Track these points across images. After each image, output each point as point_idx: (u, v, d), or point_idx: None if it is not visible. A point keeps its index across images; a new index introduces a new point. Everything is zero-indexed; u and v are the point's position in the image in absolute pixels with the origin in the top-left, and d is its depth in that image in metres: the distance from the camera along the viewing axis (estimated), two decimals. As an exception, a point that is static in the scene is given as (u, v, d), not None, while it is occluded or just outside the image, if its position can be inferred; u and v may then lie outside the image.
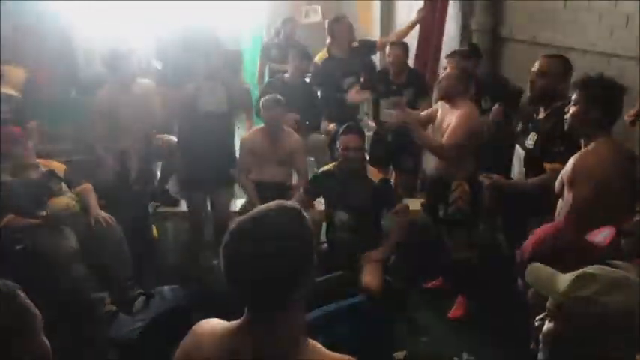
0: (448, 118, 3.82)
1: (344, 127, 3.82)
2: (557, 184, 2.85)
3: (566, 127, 2.87)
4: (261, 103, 4.43)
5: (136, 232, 4.62)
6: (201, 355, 1.35)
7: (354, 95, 5.30)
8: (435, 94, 4.17)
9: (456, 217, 3.87)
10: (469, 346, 3.63)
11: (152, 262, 4.75)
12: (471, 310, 4.00)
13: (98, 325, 3.73)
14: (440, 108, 4.03)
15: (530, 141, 3.38)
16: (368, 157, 5.31)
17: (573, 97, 2.81)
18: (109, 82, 4.58)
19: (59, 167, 4.07)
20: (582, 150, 2.74)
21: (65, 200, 3.84)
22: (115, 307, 3.85)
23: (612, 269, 1.39)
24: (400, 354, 3.64)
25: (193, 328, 1.43)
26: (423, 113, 4.27)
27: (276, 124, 4.38)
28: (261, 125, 4.57)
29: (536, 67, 3.35)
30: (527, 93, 3.54)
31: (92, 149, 4.61)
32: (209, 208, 4.64)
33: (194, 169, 4.36)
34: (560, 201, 2.85)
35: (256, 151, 4.44)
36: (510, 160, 4.21)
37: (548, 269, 1.47)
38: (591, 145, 2.71)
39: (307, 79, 5.48)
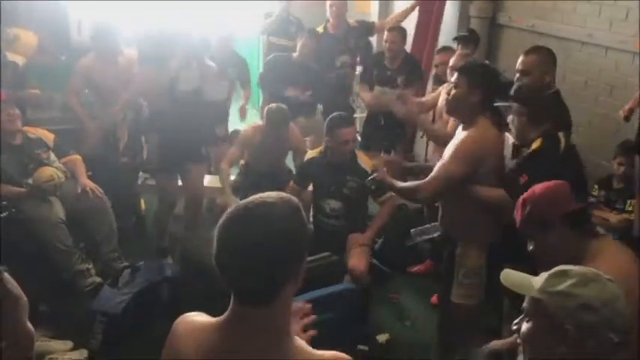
0: None
1: (336, 118, 3.72)
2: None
3: (446, 109, 3.02)
4: (265, 112, 4.27)
5: (123, 205, 4.60)
6: (185, 353, 1.31)
7: (362, 94, 5.26)
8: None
9: None
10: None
11: (139, 235, 4.76)
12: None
13: (82, 297, 3.73)
14: (442, 92, 4.02)
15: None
16: (359, 140, 5.32)
17: (454, 79, 2.93)
18: (93, 53, 4.51)
19: (48, 136, 4.03)
20: (465, 131, 2.84)
21: (49, 171, 3.79)
22: (99, 279, 3.85)
23: (583, 267, 1.44)
24: (383, 337, 3.67)
25: (175, 324, 1.39)
26: (427, 99, 4.26)
27: (278, 133, 4.23)
28: (262, 124, 4.40)
29: (519, 66, 3.33)
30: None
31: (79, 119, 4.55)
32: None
33: (166, 147, 4.25)
34: None
35: (255, 149, 4.37)
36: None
37: (520, 273, 1.50)
38: (474, 127, 2.81)
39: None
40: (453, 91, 2.89)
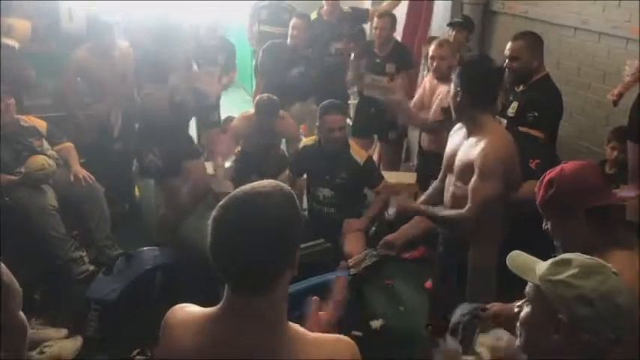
0: (437, 90, 3.83)
1: (326, 105, 3.72)
2: (455, 165, 2.82)
3: (454, 117, 2.85)
4: (255, 103, 4.24)
5: (117, 191, 4.59)
6: (181, 344, 1.30)
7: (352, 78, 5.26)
8: (433, 74, 4.13)
9: None
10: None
11: (133, 222, 4.75)
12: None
13: (76, 285, 3.73)
14: (427, 87, 4.03)
15: (512, 109, 3.43)
16: (351, 127, 5.32)
17: (452, 84, 2.82)
18: (88, 44, 4.50)
19: (40, 124, 4.01)
20: (478, 138, 2.68)
21: (41, 160, 3.77)
22: (93, 267, 3.85)
23: (589, 256, 1.39)
24: (377, 323, 3.68)
25: (167, 317, 1.38)
26: (417, 98, 4.27)
27: (268, 123, 4.23)
28: (253, 115, 4.38)
29: (507, 51, 3.37)
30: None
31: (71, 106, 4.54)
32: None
33: (166, 155, 4.18)
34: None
35: (245, 137, 4.36)
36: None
37: (529, 256, 1.48)
38: (487, 134, 2.65)
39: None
40: (450, 97, 2.81)
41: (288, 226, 1.23)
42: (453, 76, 2.79)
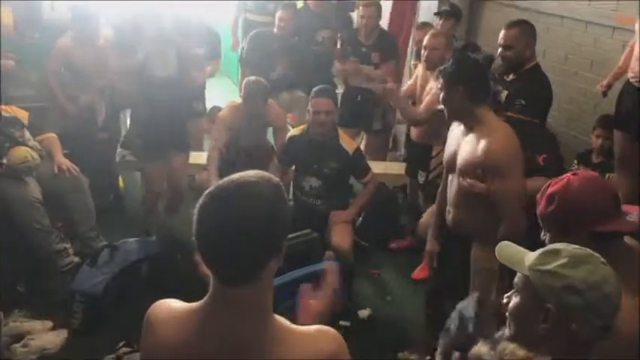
0: (431, 83, 3.81)
1: (316, 89, 3.70)
2: (458, 164, 2.73)
3: (446, 116, 2.76)
4: (244, 85, 4.19)
5: (101, 182, 4.55)
6: (166, 340, 1.27)
7: (339, 67, 5.21)
8: (424, 64, 4.10)
9: (437, 183, 3.90)
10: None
11: (117, 213, 4.71)
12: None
13: (61, 277, 3.69)
14: (419, 75, 4.01)
15: (502, 96, 3.42)
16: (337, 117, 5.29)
17: (439, 85, 2.75)
18: (72, 33, 4.44)
19: (22, 114, 3.94)
20: (479, 134, 2.59)
21: (24, 152, 3.71)
22: (77, 259, 3.81)
23: (577, 246, 1.38)
24: (364, 313, 3.69)
25: (149, 313, 1.34)
26: (405, 88, 4.25)
27: (257, 108, 4.14)
28: (240, 101, 4.28)
29: (501, 40, 3.37)
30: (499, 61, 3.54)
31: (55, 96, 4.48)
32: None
33: (147, 137, 4.14)
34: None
35: (235, 127, 4.31)
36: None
37: (518, 247, 1.47)
38: (489, 130, 2.57)
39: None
40: (441, 98, 2.71)
41: (274, 217, 1.21)
42: (441, 75, 2.69)
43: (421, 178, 4.00)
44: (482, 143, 2.53)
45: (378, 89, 3.98)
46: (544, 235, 1.80)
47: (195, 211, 1.22)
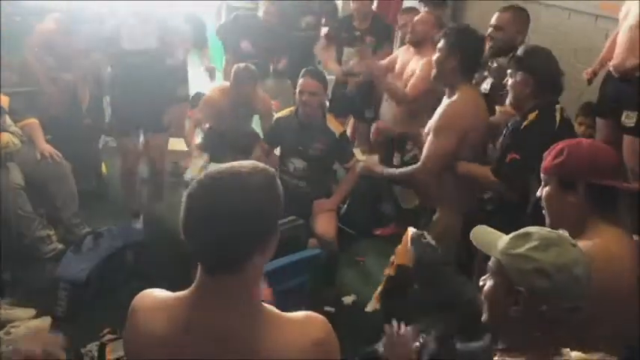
0: (412, 65, 3.80)
1: (304, 70, 3.71)
2: (425, 131, 2.98)
3: (432, 75, 2.98)
4: (233, 71, 4.14)
5: (84, 168, 4.51)
6: (152, 331, 1.26)
7: (320, 52, 5.19)
8: (408, 38, 4.09)
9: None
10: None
11: (100, 199, 4.68)
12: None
13: (44, 264, 3.66)
14: (400, 55, 3.99)
15: (486, 85, 3.45)
16: (328, 104, 5.27)
17: (438, 46, 2.91)
18: (54, 16, 4.37)
19: (3, 99, 3.88)
20: (449, 100, 2.82)
21: (6, 138, 3.67)
22: (61, 246, 3.79)
23: (549, 229, 1.41)
24: (349, 299, 3.70)
25: (134, 303, 1.33)
26: (384, 61, 4.21)
27: (244, 94, 4.16)
28: (227, 84, 4.33)
29: (493, 21, 3.38)
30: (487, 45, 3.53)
31: (38, 81, 4.41)
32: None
33: (124, 111, 4.13)
34: None
35: (221, 111, 4.29)
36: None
37: (492, 231, 1.50)
38: (456, 95, 2.78)
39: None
40: (434, 56, 2.87)
41: (263, 209, 1.22)
42: (441, 40, 2.85)
43: (396, 161, 4.00)
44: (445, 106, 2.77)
45: (364, 68, 3.97)
46: (541, 192, 1.91)
47: (184, 198, 1.22)
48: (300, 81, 3.63)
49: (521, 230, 1.41)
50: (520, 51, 2.72)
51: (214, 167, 1.25)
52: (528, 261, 1.33)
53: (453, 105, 2.75)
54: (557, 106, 2.61)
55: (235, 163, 1.25)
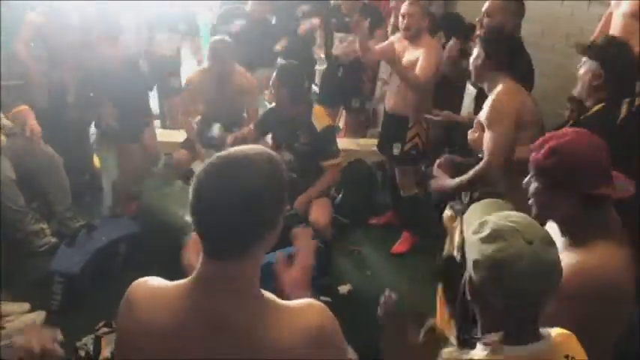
0: (408, 55, 3.77)
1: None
2: (470, 133, 2.93)
3: (472, 78, 3.01)
4: (209, 46, 4.12)
5: (76, 162, 4.48)
6: (146, 321, 1.24)
7: (302, 27, 5.17)
8: (402, 34, 4.05)
9: (412, 155, 3.91)
10: (411, 280, 3.71)
11: (93, 192, 4.65)
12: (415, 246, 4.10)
13: (38, 258, 3.65)
14: (397, 42, 3.96)
15: None
16: (318, 93, 5.25)
17: (474, 53, 2.92)
18: (44, 9, 4.33)
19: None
20: (493, 92, 2.80)
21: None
22: (54, 239, 3.77)
23: (513, 218, 1.32)
24: (344, 288, 3.71)
25: (129, 292, 1.31)
26: (378, 47, 4.17)
27: (224, 68, 4.12)
28: (207, 65, 4.28)
29: (484, 8, 3.36)
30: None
31: (26, 74, 4.36)
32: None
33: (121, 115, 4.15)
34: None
35: (203, 93, 4.24)
36: (462, 98, 4.23)
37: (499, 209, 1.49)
38: (500, 86, 2.78)
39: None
40: (472, 60, 2.91)
41: (271, 192, 1.22)
42: (478, 41, 2.90)
43: (396, 150, 3.98)
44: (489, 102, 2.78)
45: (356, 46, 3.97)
46: (528, 184, 1.75)
47: (192, 182, 1.22)
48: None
49: (486, 217, 1.36)
50: (599, 40, 2.67)
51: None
52: (473, 250, 1.31)
53: (499, 95, 2.76)
54: (626, 100, 2.51)
55: (241, 147, 1.26)
